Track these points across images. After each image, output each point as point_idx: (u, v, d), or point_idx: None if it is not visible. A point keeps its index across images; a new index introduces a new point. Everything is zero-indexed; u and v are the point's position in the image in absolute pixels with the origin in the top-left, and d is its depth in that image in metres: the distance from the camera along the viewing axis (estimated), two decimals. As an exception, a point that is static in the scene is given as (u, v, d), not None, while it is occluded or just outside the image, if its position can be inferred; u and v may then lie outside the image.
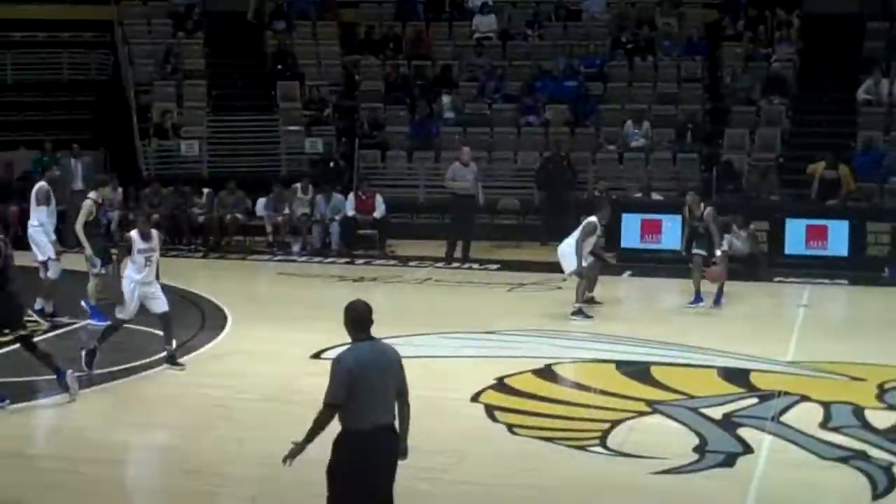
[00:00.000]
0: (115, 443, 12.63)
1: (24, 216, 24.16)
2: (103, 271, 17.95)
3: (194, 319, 18.47)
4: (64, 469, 12.01)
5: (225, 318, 18.51)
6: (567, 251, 19.09)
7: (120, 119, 29.78)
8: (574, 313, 18.77)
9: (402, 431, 8.93)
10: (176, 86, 30.34)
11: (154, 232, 15.68)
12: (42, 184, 18.35)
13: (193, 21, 32.00)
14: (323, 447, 12.07)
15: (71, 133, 30.08)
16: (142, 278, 15.27)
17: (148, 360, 15.90)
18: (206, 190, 26.48)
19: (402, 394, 8.84)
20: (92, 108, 31.67)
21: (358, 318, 8.63)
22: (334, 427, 8.69)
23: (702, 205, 19.84)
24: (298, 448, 8.75)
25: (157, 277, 15.54)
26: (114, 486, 11.40)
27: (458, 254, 24.18)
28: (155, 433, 12.93)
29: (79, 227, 17.85)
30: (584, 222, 19.12)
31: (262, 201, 26.01)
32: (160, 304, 15.47)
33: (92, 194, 18.18)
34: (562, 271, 19.39)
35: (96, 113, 31.48)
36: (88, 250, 17.77)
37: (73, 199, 25.14)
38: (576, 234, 19.08)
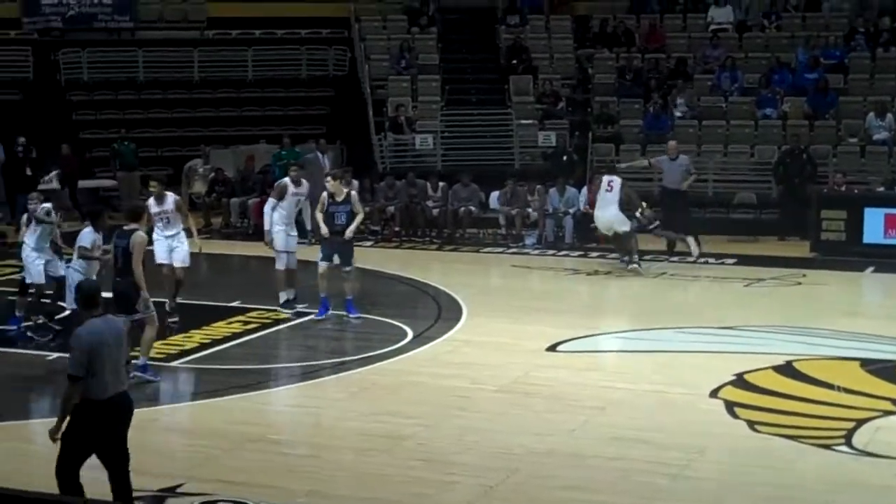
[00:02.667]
0: (353, 430, 12.79)
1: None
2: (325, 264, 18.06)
3: (430, 311, 18.60)
4: (305, 454, 12.25)
5: (460, 309, 18.58)
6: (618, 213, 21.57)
7: (356, 114, 30.26)
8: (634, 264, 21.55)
9: None
10: (410, 81, 30.69)
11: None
12: (284, 179, 18.71)
13: (428, 17, 32.36)
14: (574, 440, 12.07)
15: (308, 128, 30.79)
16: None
17: (386, 349, 16.10)
18: (440, 183, 26.68)
19: (128, 362, 10.08)
20: (329, 103, 32.33)
21: (89, 297, 9.67)
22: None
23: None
24: (57, 426, 9.48)
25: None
26: (352, 472, 11.53)
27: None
28: (391, 422, 13.03)
29: (318, 214, 18.22)
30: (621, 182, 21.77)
31: (495, 194, 26.07)
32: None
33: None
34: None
35: (333, 108, 32.11)
36: (325, 231, 17.95)
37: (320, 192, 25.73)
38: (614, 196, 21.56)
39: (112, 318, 9.91)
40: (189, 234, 17.88)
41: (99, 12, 31.67)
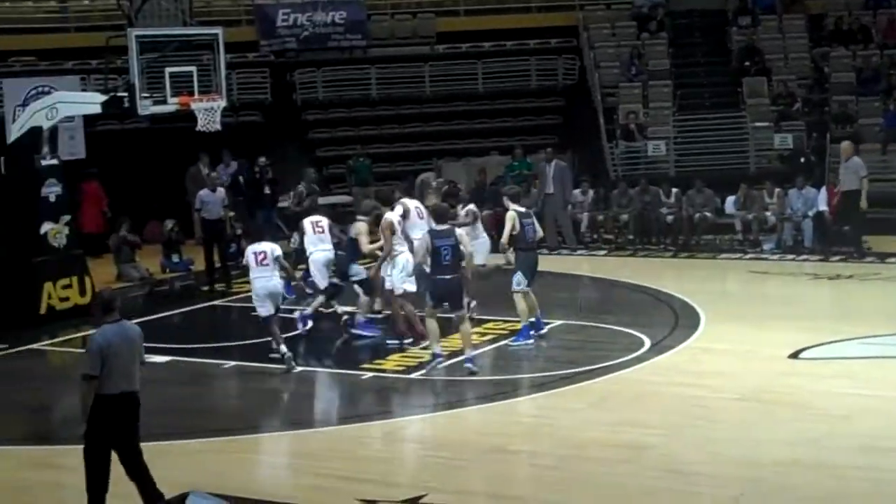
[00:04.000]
0: (594, 440, 12.74)
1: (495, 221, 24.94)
2: (525, 288, 17.16)
3: (668, 318, 18.37)
4: (547, 465, 12.23)
5: (698, 317, 18.30)
6: None
7: (587, 122, 30.16)
8: None
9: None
10: (641, 87, 30.45)
11: None
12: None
13: (657, 21, 32.04)
14: (820, 449, 11.75)
15: (539, 138, 30.80)
16: None
17: (624, 358, 15.98)
18: (674, 189, 26.38)
19: (143, 363, 10.67)
20: (560, 113, 32.28)
21: (105, 304, 10.54)
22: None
23: None
24: (82, 420, 10.33)
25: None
26: (596, 483, 11.49)
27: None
28: (632, 432, 12.93)
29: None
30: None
31: (730, 199, 25.65)
32: None
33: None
34: None
35: (564, 117, 32.06)
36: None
37: (545, 202, 25.76)
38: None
39: (126, 325, 10.57)
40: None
41: (332, 32, 32.27)
